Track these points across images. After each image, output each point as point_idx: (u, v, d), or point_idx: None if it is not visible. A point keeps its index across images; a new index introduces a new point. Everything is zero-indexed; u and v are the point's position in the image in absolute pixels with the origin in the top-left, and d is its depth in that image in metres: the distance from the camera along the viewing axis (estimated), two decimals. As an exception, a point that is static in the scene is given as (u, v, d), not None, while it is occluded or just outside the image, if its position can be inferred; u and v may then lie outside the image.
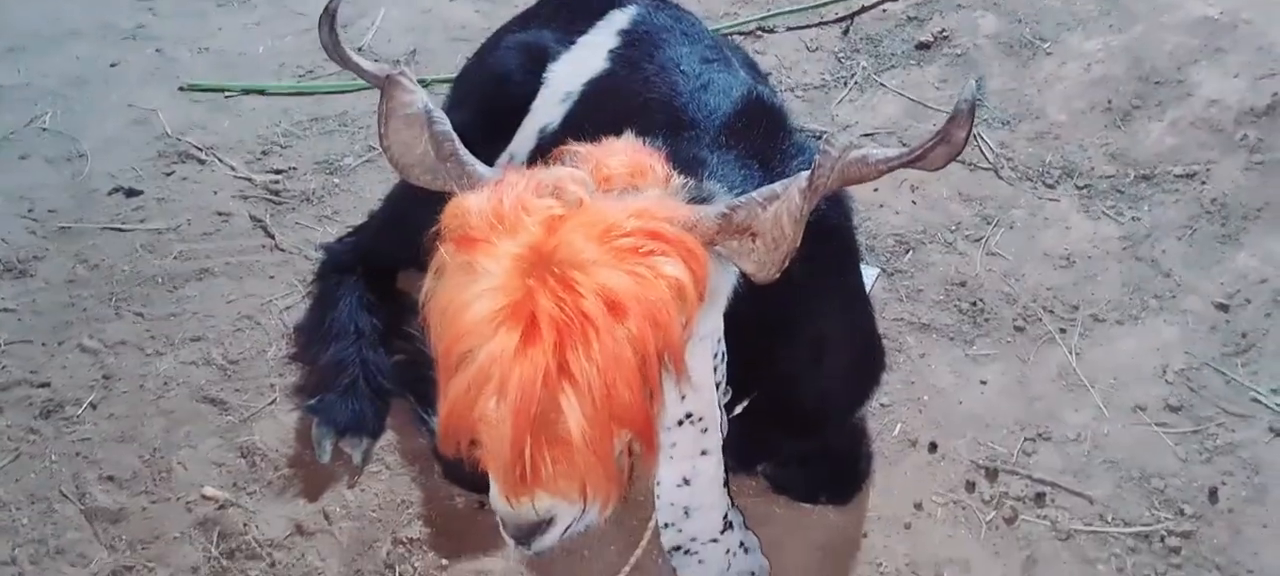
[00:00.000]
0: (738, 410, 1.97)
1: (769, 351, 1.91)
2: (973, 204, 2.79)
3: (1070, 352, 2.43)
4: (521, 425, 1.36)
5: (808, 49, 3.33)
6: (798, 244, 1.49)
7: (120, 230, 2.95)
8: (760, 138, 1.96)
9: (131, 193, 3.07)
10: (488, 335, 1.35)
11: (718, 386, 1.70)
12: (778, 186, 1.50)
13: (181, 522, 2.22)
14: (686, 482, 1.70)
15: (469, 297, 1.37)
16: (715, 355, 1.65)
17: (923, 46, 3.26)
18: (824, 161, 1.46)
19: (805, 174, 1.47)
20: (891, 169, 1.48)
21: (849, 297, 2.08)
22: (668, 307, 1.39)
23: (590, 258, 1.36)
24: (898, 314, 2.53)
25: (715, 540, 1.78)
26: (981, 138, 2.95)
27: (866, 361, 2.18)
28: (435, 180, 1.59)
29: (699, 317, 1.50)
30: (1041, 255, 2.66)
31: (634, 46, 2.31)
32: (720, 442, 1.70)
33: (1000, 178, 2.85)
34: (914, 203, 2.81)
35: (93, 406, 2.46)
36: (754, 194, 1.51)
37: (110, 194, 3.07)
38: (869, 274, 2.60)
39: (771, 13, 3.47)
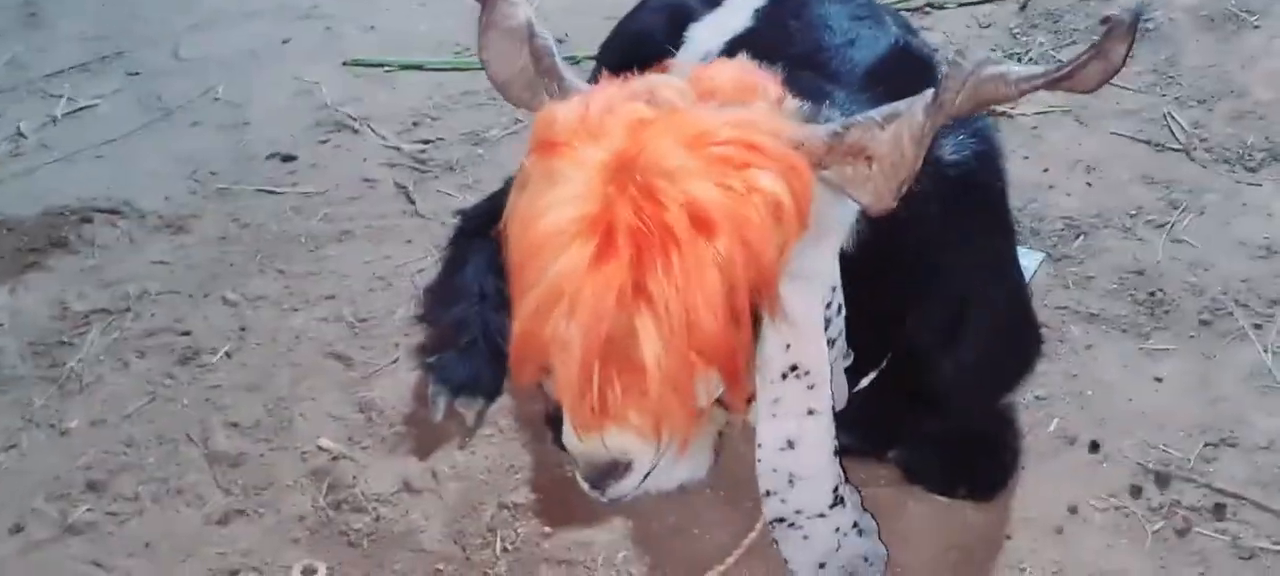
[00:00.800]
0: (865, 382, 1.79)
1: (899, 314, 1.72)
2: (1158, 187, 2.51)
3: (1265, 351, 2.13)
4: (592, 347, 1.25)
5: (980, 25, 3.10)
6: (918, 168, 1.32)
7: (272, 192, 3.01)
8: (903, 85, 1.78)
9: (287, 158, 3.15)
10: (561, 248, 1.25)
11: (832, 343, 1.54)
12: (899, 105, 1.33)
13: (295, 471, 2.20)
14: (791, 446, 1.53)
15: (544, 206, 1.27)
16: (828, 305, 1.49)
17: (1109, 20, 2.96)
18: (954, 75, 1.28)
19: (930, 91, 1.30)
20: (1035, 88, 1.29)
21: (997, 262, 1.87)
22: (762, 228, 1.25)
23: (677, 165, 1.24)
24: (1062, 302, 2.28)
25: (823, 515, 1.61)
26: (1172, 116, 2.65)
27: (1017, 339, 1.96)
28: (534, 98, 1.50)
29: (800, 249, 1.35)
30: (1236, 244, 2.35)
31: (781, 5, 2.17)
32: (831, 403, 1.53)
33: (1192, 160, 2.55)
34: (1089, 184, 2.54)
35: (227, 356, 2.49)
36: (872, 112, 1.34)
37: (267, 159, 3.15)
38: (1031, 258, 2.36)
39: (940, -12, 3.25)
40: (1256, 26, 2.86)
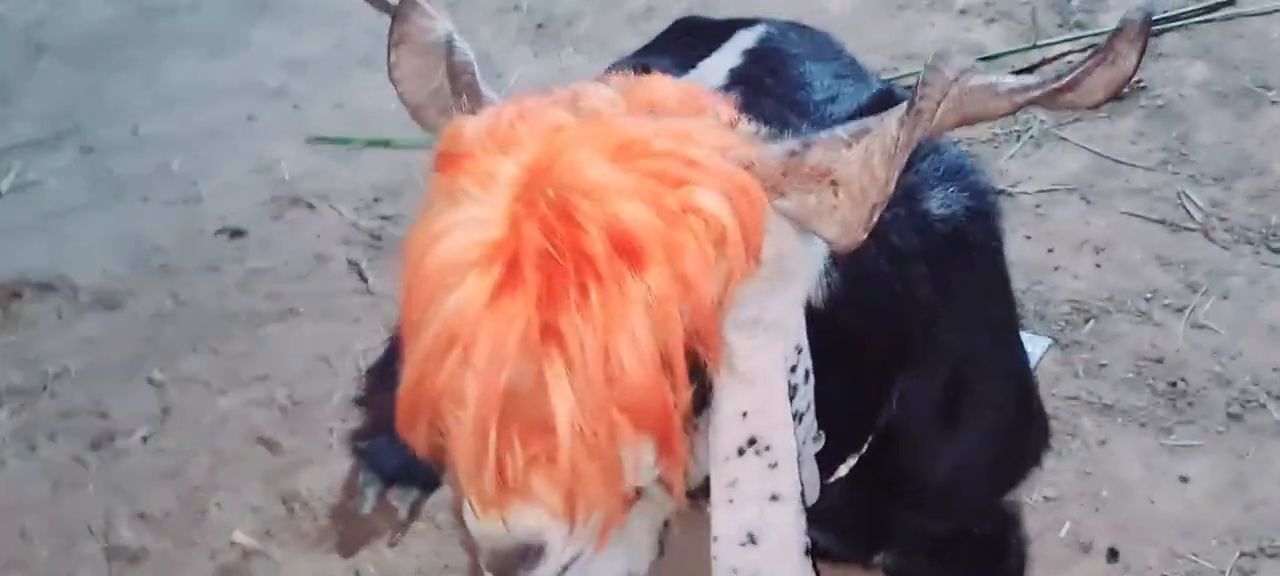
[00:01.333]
0: (842, 470, 1.54)
1: (882, 389, 1.47)
2: (1175, 269, 2.28)
3: (1305, 448, 1.88)
4: (489, 401, 1.00)
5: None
6: (890, 193, 1.09)
7: (216, 269, 2.81)
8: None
9: (236, 233, 2.96)
10: (458, 279, 1.01)
11: (800, 417, 1.29)
12: (869, 120, 1.11)
13: (203, 570, 1.95)
14: (753, 540, 1.26)
15: (440, 230, 1.04)
16: (793, 369, 1.24)
17: (1117, 97, 2.77)
18: (932, 82, 1.06)
19: (904, 103, 1.08)
20: (1030, 100, 1.07)
21: (996, 334, 1.63)
22: (700, 257, 1.02)
23: (600, 180, 1.01)
24: (1073, 391, 2.04)
25: (786, 621, 1.34)
26: (1187, 195, 2.43)
27: (1023, 425, 1.70)
28: (449, 122, 1.28)
29: (756, 294, 1.12)
30: (1266, 330, 2.11)
31: (758, 64, 1.97)
32: (799, 490, 1.27)
33: (1211, 240, 2.33)
34: (1098, 265, 2.32)
35: (144, 440, 2.26)
36: (836, 129, 1.12)
37: (216, 234, 2.96)
38: (1036, 344, 2.13)
39: (938, 66, 3.06)
40: (1274, 101, 2.67)
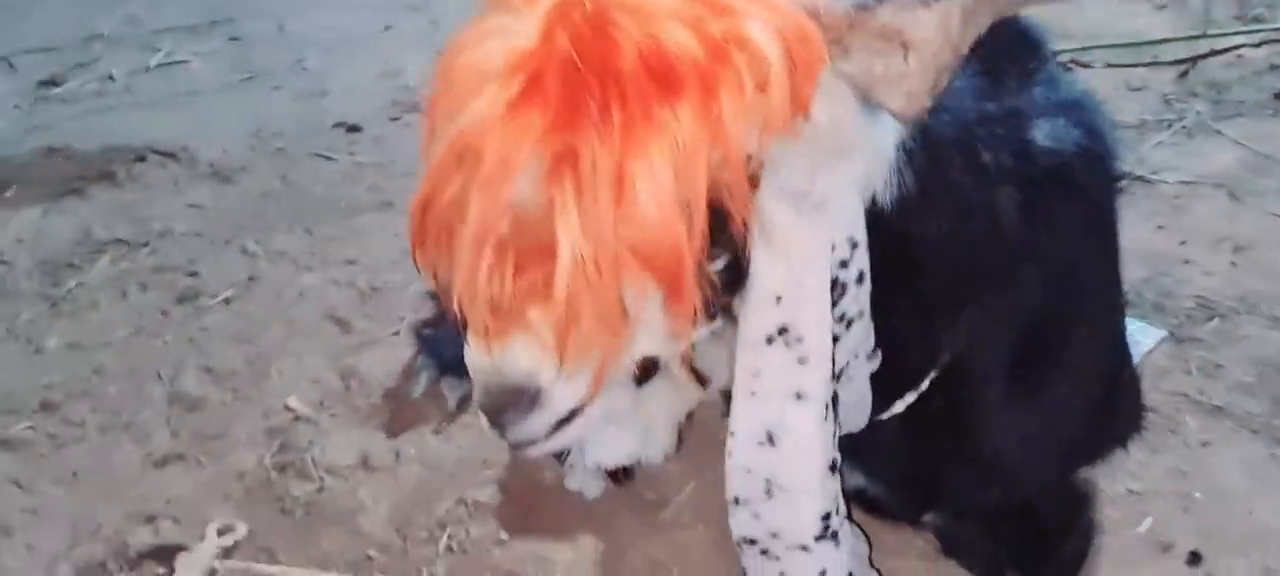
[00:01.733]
0: (898, 407, 1.42)
1: (949, 318, 1.35)
2: (1321, 278, 2.05)
3: None
4: (491, 214, 0.95)
5: (1129, 87, 2.70)
6: (962, 58, 0.98)
7: (328, 158, 2.85)
8: (998, 46, 1.44)
9: (352, 128, 3.01)
10: (480, 86, 0.95)
11: (847, 321, 1.18)
12: None
13: (253, 426, 1.96)
14: (771, 441, 1.16)
15: (475, 36, 0.98)
16: (844, 263, 1.14)
17: (1283, 96, 2.54)
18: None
19: None
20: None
21: (1090, 294, 1.47)
22: (737, 94, 0.93)
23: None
24: (1181, 388, 1.85)
25: (806, 548, 1.22)
26: (1349, 204, 2.19)
27: (1105, 403, 1.54)
28: None
29: (802, 162, 1.03)
30: None
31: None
32: (829, 396, 1.17)
33: (1369, 253, 2.09)
34: (1234, 264, 2.10)
35: (226, 302, 2.29)
36: (915, -4, 1.01)
37: (333, 127, 3.01)
38: (1150, 335, 1.94)
39: (1090, 45, 2.87)
40: None
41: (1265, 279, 2.05)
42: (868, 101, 1.06)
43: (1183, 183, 2.33)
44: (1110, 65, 2.77)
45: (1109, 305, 1.52)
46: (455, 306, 1.01)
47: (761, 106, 0.95)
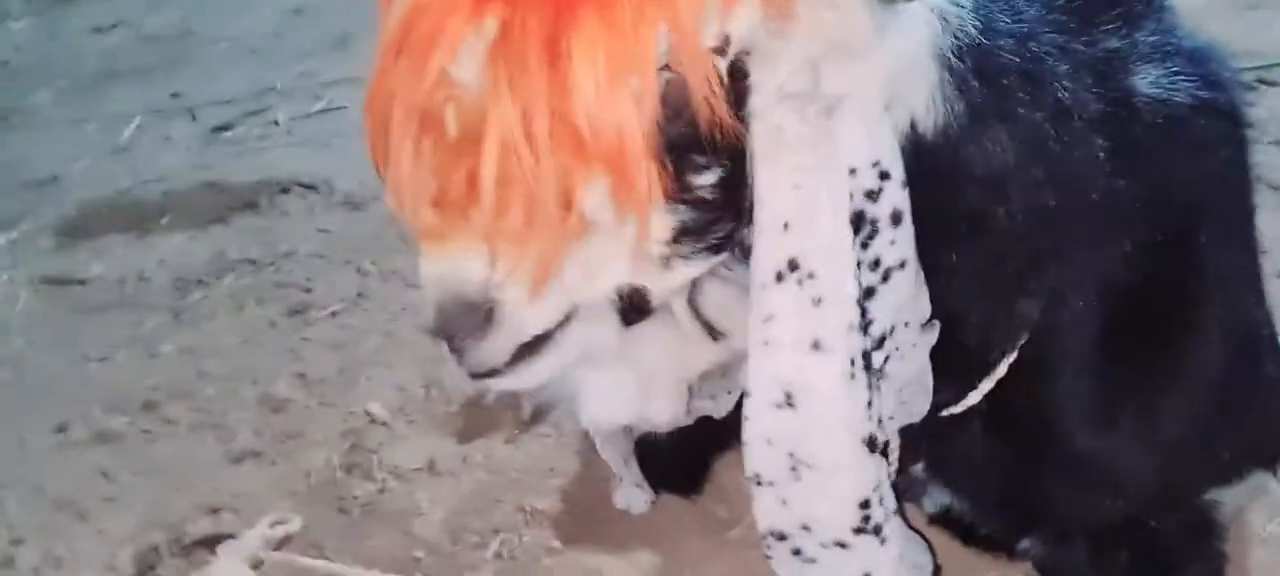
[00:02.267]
0: (971, 398, 1.23)
1: (1023, 283, 1.15)
2: None
3: None
4: (415, 89, 0.86)
5: (1321, 105, 2.38)
6: None
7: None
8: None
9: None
10: None
11: (883, 270, 1.01)
12: None
13: (330, 428, 1.93)
14: (789, 402, 1.00)
15: None
16: (870, 193, 0.98)
17: None
18: None
19: None
20: None
21: (1215, 272, 1.24)
22: None
23: None
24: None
25: (843, 544, 1.05)
26: None
27: (1242, 408, 1.28)
28: None
29: (793, 50, 0.90)
30: None
31: None
32: (856, 349, 1.00)
33: None
34: None
35: (332, 314, 2.30)
36: None
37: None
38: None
39: (1274, 62, 2.55)
40: None
41: None
42: (884, -4, 0.91)
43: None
44: (1302, 81, 2.46)
45: (1240, 288, 1.28)
46: (394, 205, 0.92)
47: None
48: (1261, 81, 2.48)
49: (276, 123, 3.55)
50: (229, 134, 3.51)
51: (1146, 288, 1.19)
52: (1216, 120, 1.22)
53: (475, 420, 1.88)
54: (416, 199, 0.90)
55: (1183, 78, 1.21)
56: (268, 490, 1.78)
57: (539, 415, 1.84)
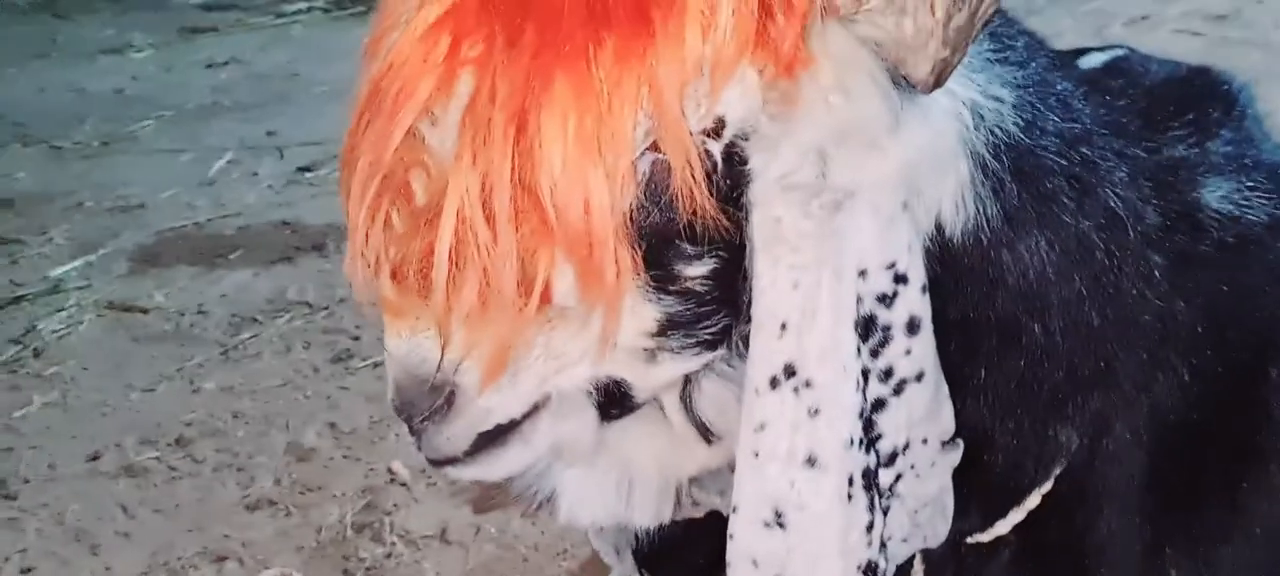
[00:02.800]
0: (1000, 528, 1.10)
1: (1060, 409, 1.04)
2: None
3: None
4: (379, 148, 0.80)
5: None
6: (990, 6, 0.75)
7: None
8: (1165, 92, 1.16)
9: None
10: (414, 5, 0.83)
11: (895, 382, 0.91)
12: None
13: (351, 482, 1.89)
14: (779, 521, 0.91)
15: None
16: (882, 297, 0.88)
17: None
18: None
19: None
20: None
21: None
22: (677, 32, 0.75)
23: None
24: None
25: None
26: None
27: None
28: None
29: (799, 139, 0.82)
30: None
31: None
32: (854, 467, 0.90)
33: None
34: None
35: (375, 365, 2.26)
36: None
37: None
38: None
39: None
40: None
41: None
42: (900, 76, 0.83)
43: None
44: None
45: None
46: (350, 273, 0.86)
47: (712, 46, 0.76)
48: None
49: (356, 167, 3.59)
50: (311, 175, 3.55)
51: (1205, 424, 1.06)
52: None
53: (494, 490, 1.81)
54: (378, 269, 0.84)
55: (1259, 194, 1.09)
56: (277, 541, 1.74)
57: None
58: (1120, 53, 1.53)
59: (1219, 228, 1.06)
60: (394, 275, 0.84)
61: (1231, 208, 1.07)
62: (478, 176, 0.77)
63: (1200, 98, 1.15)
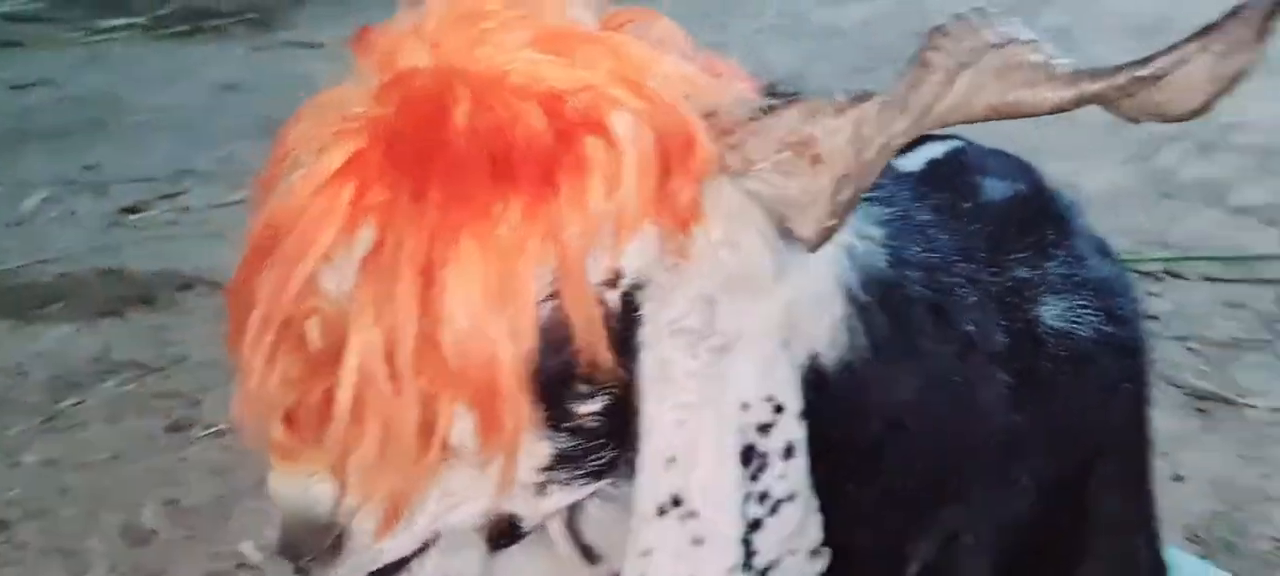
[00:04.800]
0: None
1: (917, 520, 1.11)
2: None
3: None
4: (277, 296, 0.80)
5: (1226, 304, 2.41)
6: (874, 174, 0.81)
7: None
8: (1006, 214, 1.25)
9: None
10: (309, 154, 0.83)
11: (772, 504, 0.96)
12: (870, 91, 0.83)
13: (194, 568, 1.84)
14: (666, 651, 0.94)
15: (314, 105, 0.86)
16: (763, 427, 0.93)
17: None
18: (956, 36, 0.77)
19: (912, 66, 0.80)
20: (1098, 92, 0.76)
21: (1110, 519, 1.21)
22: (581, 191, 0.77)
23: (497, 65, 0.81)
24: (1250, 650, 1.54)
25: None
26: None
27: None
28: None
29: (688, 287, 0.86)
30: None
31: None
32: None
33: None
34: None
35: (218, 434, 2.20)
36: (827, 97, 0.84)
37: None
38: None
39: (1186, 256, 2.60)
40: None
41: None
42: (784, 228, 0.88)
43: (1274, 409, 2.03)
44: (1208, 278, 2.50)
45: (1133, 531, 1.25)
46: (239, 415, 0.85)
47: (615, 206, 0.79)
48: (1169, 273, 2.53)
49: (188, 210, 3.45)
50: (137, 216, 3.39)
51: (1039, 525, 1.16)
52: (1119, 357, 1.20)
53: None
54: (269, 412, 0.84)
55: (1088, 311, 1.19)
56: (112, 638, 1.66)
57: None
58: (957, 144, 1.65)
59: (1054, 344, 1.16)
60: (287, 419, 0.83)
61: (1065, 325, 1.17)
62: (381, 332, 0.77)
63: (1037, 220, 1.25)
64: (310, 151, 0.83)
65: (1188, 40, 0.74)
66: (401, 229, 0.78)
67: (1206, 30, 0.73)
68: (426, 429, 0.80)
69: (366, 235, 0.80)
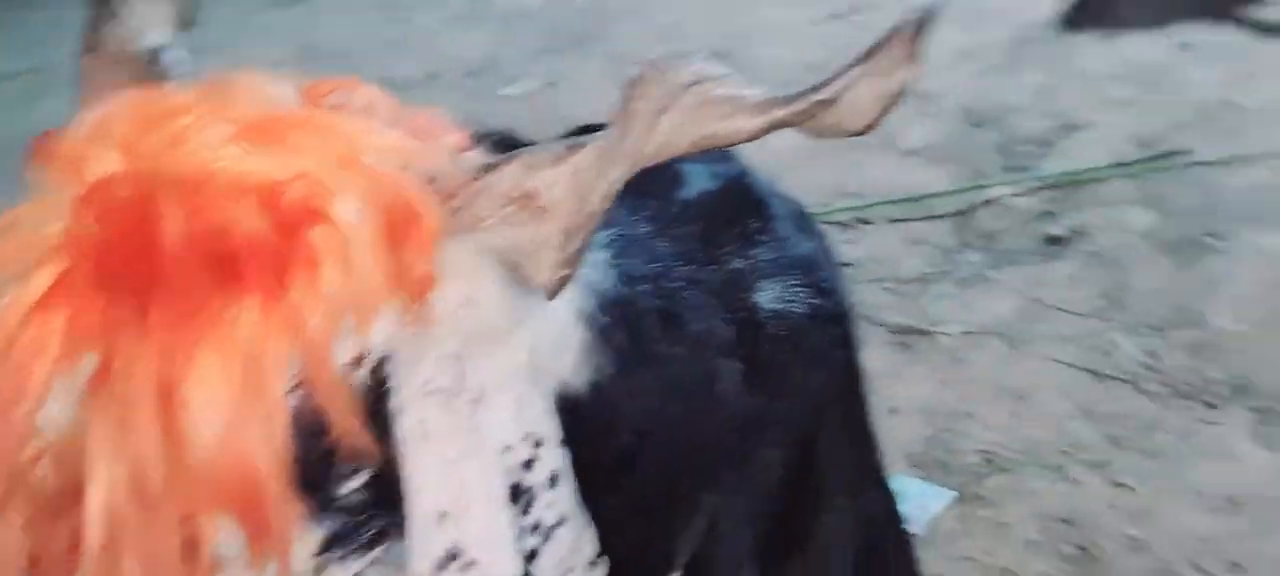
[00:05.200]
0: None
1: (682, 510, 1.19)
2: (1098, 422, 2.01)
3: (1229, 631, 1.57)
4: (6, 450, 0.75)
5: (910, 241, 2.68)
6: (598, 218, 0.86)
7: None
8: (715, 208, 1.35)
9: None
10: (11, 274, 0.78)
11: (543, 531, 1.01)
12: (585, 139, 0.88)
13: None
14: None
15: (7, 222, 0.81)
16: (527, 463, 0.97)
17: (1054, 241, 2.55)
18: (652, 81, 0.83)
19: (620, 111, 0.85)
20: (786, 117, 0.84)
21: (840, 467, 1.34)
22: (313, 281, 0.78)
23: (204, 165, 0.78)
24: (968, 552, 1.75)
25: None
26: (1119, 344, 2.18)
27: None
28: None
29: (435, 350, 0.88)
30: (1193, 493, 1.83)
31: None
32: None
33: (1141, 392, 2.06)
34: (1015, 415, 2.05)
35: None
36: (549, 145, 0.89)
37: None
38: (938, 498, 1.85)
39: (872, 203, 2.86)
40: (1221, 251, 2.43)
41: (1044, 428, 2.00)
42: (518, 277, 0.92)
43: (964, 333, 2.29)
44: (892, 220, 2.76)
45: (861, 475, 1.40)
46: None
47: (352, 291, 0.80)
48: (859, 220, 2.77)
49: None
50: None
51: (785, 488, 1.27)
52: (829, 326, 1.33)
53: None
54: (11, 569, 0.78)
55: (798, 288, 1.31)
56: None
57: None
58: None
59: (774, 326, 1.27)
60: (32, 565, 0.79)
61: (781, 305, 1.28)
62: (125, 465, 0.74)
63: (741, 210, 1.36)
64: (7, 278, 0.78)
65: (853, 64, 0.83)
66: (128, 352, 0.74)
67: (868, 54, 0.83)
68: (190, 550, 0.78)
69: (89, 362, 0.76)
